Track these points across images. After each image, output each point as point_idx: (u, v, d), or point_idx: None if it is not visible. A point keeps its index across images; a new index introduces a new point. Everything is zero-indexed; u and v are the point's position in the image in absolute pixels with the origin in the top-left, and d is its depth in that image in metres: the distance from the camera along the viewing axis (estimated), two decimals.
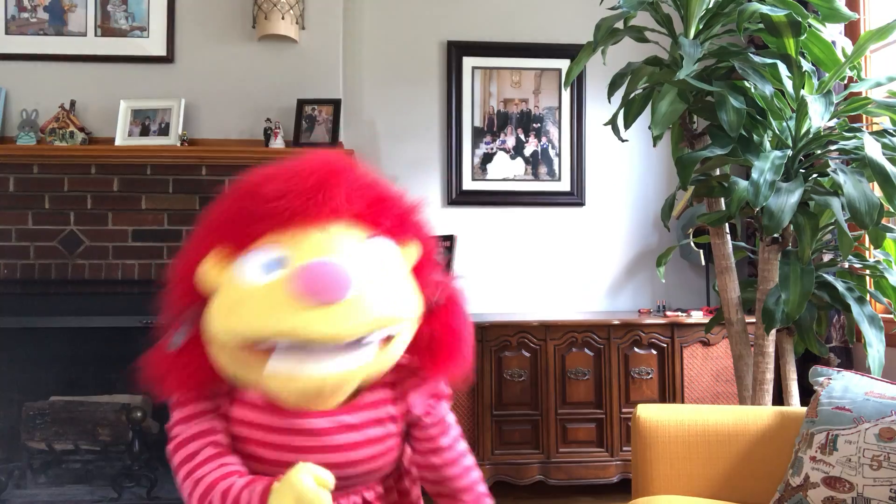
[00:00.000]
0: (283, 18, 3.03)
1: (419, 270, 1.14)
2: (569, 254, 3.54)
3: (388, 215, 1.11)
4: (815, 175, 2.02)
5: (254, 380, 1.01)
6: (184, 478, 1.07)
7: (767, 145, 2.10)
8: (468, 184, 3.50)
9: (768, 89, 1.94)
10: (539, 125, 3.55)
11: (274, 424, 1.11)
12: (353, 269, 0.98)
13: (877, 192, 1.80)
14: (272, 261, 0.99)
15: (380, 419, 1.16)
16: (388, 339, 1.04)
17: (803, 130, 2.00)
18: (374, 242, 1.07)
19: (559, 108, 3.55)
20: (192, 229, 1.15)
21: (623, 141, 2.39)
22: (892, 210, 1.79)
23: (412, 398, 1.18)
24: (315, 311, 0.92)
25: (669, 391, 3.02)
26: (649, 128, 2.05)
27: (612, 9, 2.10)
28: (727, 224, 2.22)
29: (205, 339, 1.04)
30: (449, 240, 3.21)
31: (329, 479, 0.96)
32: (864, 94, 2.33)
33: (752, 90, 2.02)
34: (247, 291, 0.98)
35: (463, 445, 1.24)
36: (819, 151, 2.04)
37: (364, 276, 0.99)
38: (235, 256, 1.04)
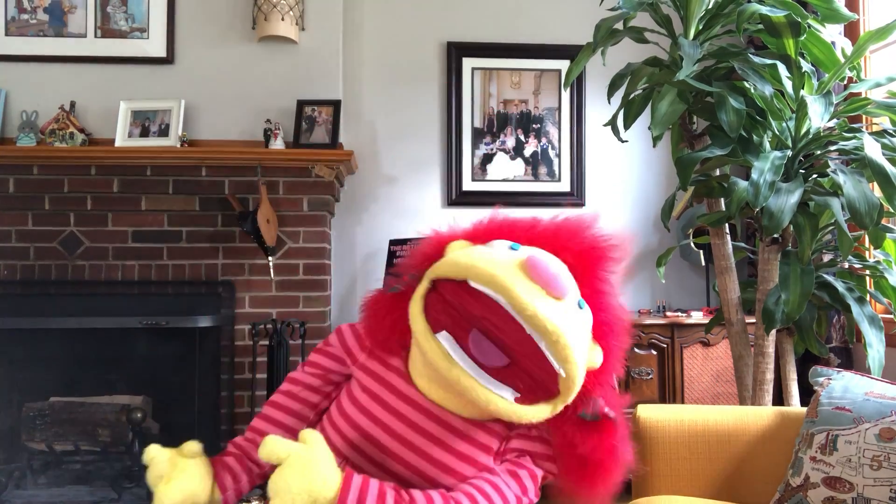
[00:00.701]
0: (282, 19, 3.03)
1: (593, 376, 1.15)
2: None
3: (599, 309, 1.17)
4: (815, 175, 2.02)
5: (420, 334, 1.09)
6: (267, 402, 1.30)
7: (767, 146, 2.10)
8: (468, 184, 3.50)
9: (768, 90, 1.94)
10: (539, 126, 3.55)
11: (399, 388, 1.18)
12: (572, 289, 1.11)
13: (877, 192, 1.80)
14: (513, 246, 1.14)
15: (489, 447, 1.16)
16: (532, 399, 1.08)
17: (803, 131, 2.00)
18: (585, 309, 1.13)
19: (559, 108, 3.55)
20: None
21: (623, 141, 2.39)
22: (891, 210, 1.79)
23: (512, 442, 1.18)
24: (537, 288, 1.05)
25: (669, 391, 3.02)
26: (649, 128, 2.05)
27: (612, 9, 2.10)
28: (727, 224, 2.22)
29: (413, 300, 1.14)
30: None
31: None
32: (863, 95, 2.34)
33: (752, 91, 2.02)
34: (489, 252, 1.11)
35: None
36: (819, 152, 2.04)
37: (572, 313, 1.09)
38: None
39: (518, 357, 1.06)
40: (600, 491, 1.15)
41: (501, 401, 1.06)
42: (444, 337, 1.06)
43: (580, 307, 1.11)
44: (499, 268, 1.05)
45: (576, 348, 1.06)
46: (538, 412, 1.08)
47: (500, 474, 1.15)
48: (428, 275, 1.14)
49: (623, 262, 1.23)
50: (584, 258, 1.18)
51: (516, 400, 1.07)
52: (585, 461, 1.14)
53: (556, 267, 1.08)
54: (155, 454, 1.14)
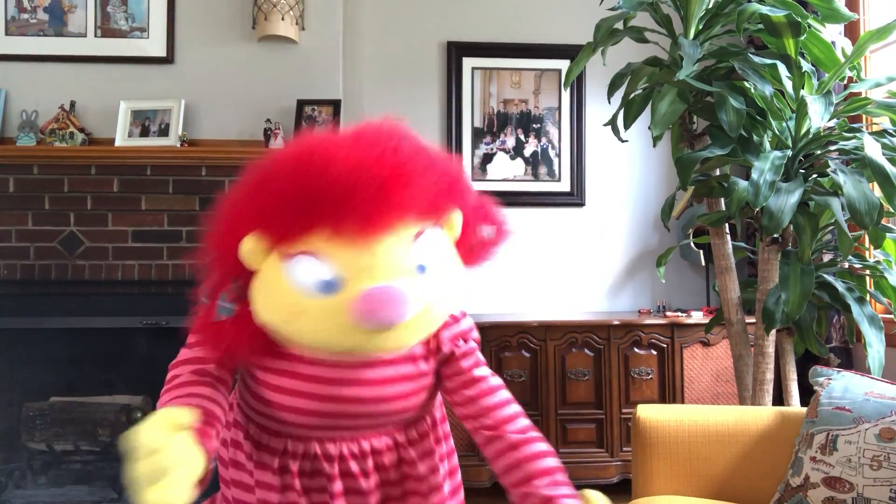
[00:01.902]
0: (282, 19, 3.03)
1: (466, 230, 1.11)
2: (569, 254, 3.54)
3: (435, 197, 1.03)
4: (815, 175, 2.02)
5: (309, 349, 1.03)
6: (160, 396, 1.07)
7: (767, 145, 2.10)
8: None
9: (768, 90, 1.94)
10: (539, 125, 3.55)
11: (286, 367, 1.10)
12: (408, 290, 0.96)
13: (877, 192, 1.80)
14: (327, 281, 0.96)
15: (412, 356, 1.14)
16: None
17: (803, 131, 2.00)
18: (422, 240, 1.02)
19: (559, 108, 3.55)
20: (232, 197, 1.08)
21: (623, 141, 2.39)
22: (892, 210, 1.79)
23: (442, 334, 1.16)
24: (375, 332, 0.95)
25: (669, 391, 3.02)
26: (649, 128, 2.05)
27: (612, 9, 2.10)
28: (727, 224, 2.22)
29: (247, 311, 1.04)
30: None
31: (182, 418, 0.88)
32: (863, 95, 2.33)
33: (752, 90, 2.02)
34: (306, 304, 0.97)
35: (498, 380, 1.20)
36: (819, 152, 2.04)
37: (419, 292, 0.99)
38: (279, 245, 0.99)
39: None
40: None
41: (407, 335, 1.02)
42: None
43: (422, 272, 1.00)
44: (338, 338, 0.97)
45: (445, 311, 1.06)
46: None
47: (483, 364, 1.19)
48: (267, 324, 1.02)
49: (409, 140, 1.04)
50: (400, 183, 0.97)
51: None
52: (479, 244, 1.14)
53: (384, 306, 0.93)
54: (152, 444, 0.83)
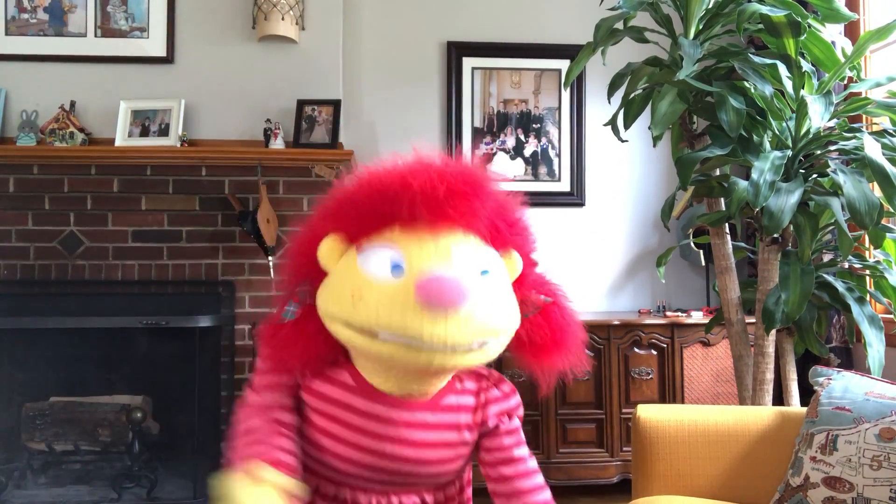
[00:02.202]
0: (282, 19, 3.03)
1: (520, 280, 1.19)
2: (569, 254, 3.54)
3: (499, 229, 1.16)
4: (815, 175, 2.02)
5: (366, 346, 1.06)
6: (237, 444, 1.12)
7: (767, 145, 2.10)
8: None
9: (768, 90, 1.94)
10: (539, 125, 3.55)
11: (355, 405, 1.14)
12: (470, 283, 1.04)
13: (877, 192, 1.80)
14: (396, 262, 1.06)
15: (457, 425, 1.18)
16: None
17: (803, 131, 2.00)
18: (485, 254, 1.12)
19: (559, 108, 3.55)
20: (316, 209, 1.19)
21: (623, 141, 2.39)
22: (892, 210, 1.79)
23: (489, 409, 1.20)
24: (433, 318, 1.00)
25: (669, 391, 3.02)
26: (649, 128, 2.05)
27: (612, 9, 2.10)
28: (727, 224, 2.22)
29: (317, 313, 1.10)
30: None
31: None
32: (863, 95, 2.33)
33: (752, 90, 2.02)
34: (372, 285, 1.04)
35: (535, 463, 1.23)
36: (819, 152, 2.04)
37: (477, 290, 1.05)
38: (352, 244, 1.11)
39: None
40: (566, 360, 1.20)
41: (472, 357, 1.07)
42: (386, 336, 1.03)
43: (484, 274, 1.09)
44: (398, 319, 1.01)
45: (498, 323, 1.08)
46: (501, 344, 1.12)
47: (524, 443, 1.22)
48: (329, 315, 1.09)
49: (494, 181, 1.17)
50: (472, 200, 1.11)
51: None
52: (544, 344, 1.18)
53: (444, 280, 1.02)
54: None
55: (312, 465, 1.17)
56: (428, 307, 1.00)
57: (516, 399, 1.25)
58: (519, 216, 1.22)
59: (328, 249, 1.11)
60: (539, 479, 1.21)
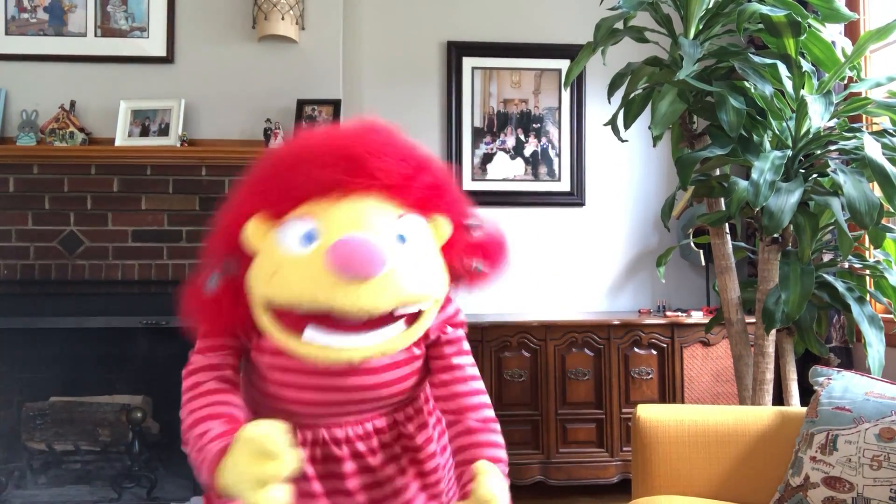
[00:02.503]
0: (282, 19, 3.03)
1: (451, 243, 1.19)
2: (569, 254, 3.54)
3: (420, 190, 1.14)
4: (815, 175, 2.02)
5: (287, 345, 1.06)
6: (183, 405, 1.14)
7: (767, 145, 2.10)
8: (468, 184, 3.50)
9: (768, 89, 1.94)
10: (539, 125, 3.55)
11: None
12: (386, 246, 1.03)
13: (877, 192, 1.80)
14: (308, 232, 1.05)
15: (400, 356, 1.21)
16: (416, 316, 1.10)
17: (803, 130, 2.00)
18: (406, 219, 1.11)
19: (559, 108, 3.55)
20: (237, 189, 1.19)
21: (623, 141, 2.39)
22: (892, 210, 1.79)
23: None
24: (348, 286, 0.98)
25: (669, 391, 3.02)
26: (649, 128, 2.05)
27: (612, 9, 2.10)
28: (727, 224, 2.22)
29: (243, 289, 1.11)
30: None
31: (281, 428, 0.96)
32: (863, 94, 2.33)
33: (752, 90, 2.02)
34: (285, 260, 1.04)
35: (475, 371, 1.28)
36: (819, 151, 2.04)
37: (395, 253, 1.04)
38: (275, 222, 1.10)
39: None
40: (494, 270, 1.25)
41: (397, 341, 1.08)
42: (310, 334, 1.03)
43: (402, 241, 1.08)
44: (309, 290, 1.00)
45: (420, 289, 1.07)
46: (427, 318, 1.13)
47: (466, 353, 1.28)
48: (256, 299, 1.08)
49: (397, 135, 1.17)
50: (383, 163, 1.10)
51: (405, 323, 1.09)
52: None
53: (358, 256, 0.99)
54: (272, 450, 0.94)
55: (282, 417, 1.14)
56: (339, 273, 0.97)
57: (453, 307, 1.29)
58: (444, 179, 1.20)
59: (253, 231, 1.10)
60: (476, 384, 1.26)
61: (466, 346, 1.30)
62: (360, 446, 1.22)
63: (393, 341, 1.08)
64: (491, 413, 1.25)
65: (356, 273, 0.98)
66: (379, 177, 1.08)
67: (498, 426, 1.24)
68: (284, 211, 1.09)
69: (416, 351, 1.24)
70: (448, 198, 1.20)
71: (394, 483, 1.25)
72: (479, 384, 1.27)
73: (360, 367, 1.15)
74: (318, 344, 1.03)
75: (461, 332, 1.29)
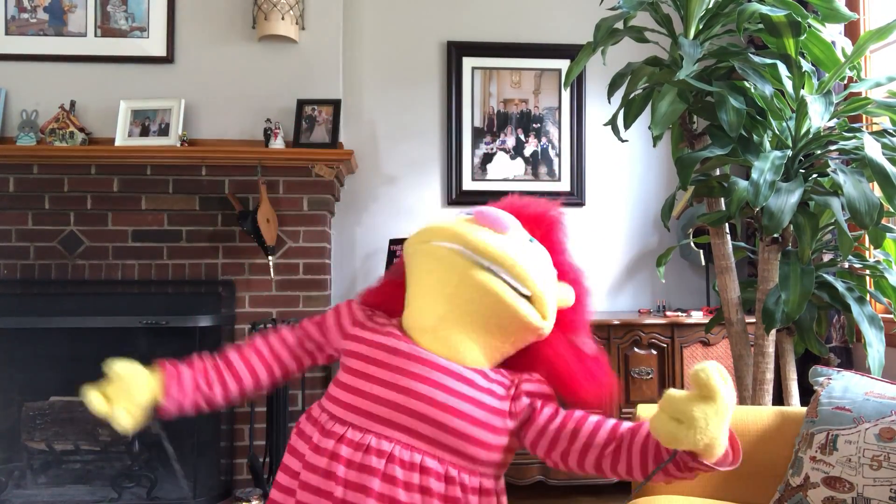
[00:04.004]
0: (282, 19, 3.03)
1: (571, 311, 1.30)
2: None
3: (560, 263, 1.32)
4: (815, 175, 2.02)
5: (438, 248, 1.22)
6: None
7: (767, 145, 2.10)
8: (468, 184, 3.50)
9: (768, 89, 1.94)
10: (539, 125, 3.55)
11: (393, 345, 1.22)
12: (521, 229, 1.27)
13: (877, 192, 1.80)
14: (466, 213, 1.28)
15: (491, 391, 1.19)
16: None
17: (803, 130, 2.00)
18: (536, 242, 1.29)
19: (559, 108, 3.55)
20: None
21: (623, 141, 2.39)
22: (892, 210, 1.79)
23: (522, 388, 1.23)
24: (485, 229, 1.21)
25: None
26: (649, 128, 2.04)
27: (612, 9, 2.10)
28: (727, 224, 2.22)
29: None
30: None
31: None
32: (863, 94, 2.33)
33: (752, 90, 2.02)
34: (447, 219, 1.28)
35: (580, 412, 1.22)
36: (819, 151, 2.04)
37: (521, 237, 1.25)
38: None
39: None
40: (595, 399, 1.25)
41: (524, 303, 1.19)
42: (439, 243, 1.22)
43: (531, 241, 1.26)
44: (452, 227, 1.23)
45: (530, 268, 1.20)
46: (529, 310, 1.20)
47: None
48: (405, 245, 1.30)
49: (566, 227, 1.39)
50: (538, 221, 1.34)
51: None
52: (579, 373, 1.26)
53: (498, 211, 1.26)
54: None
55: (341, 412, 1.19)
56: (483, 220, 1.23)
57: (549, 388, 1.26)
58: (580, 275, 1.35)
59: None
60: (594, 416, 1.20)
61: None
62: (398, 472, 1.13)
63: (529, 307, 1.19)
64: (612, 420, 1.19)
65: (492, 222, 1.22)
66: (536, 230, 1.32)
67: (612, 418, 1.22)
68: None
69: (500, 405, 1.18)
70: (577, 276, 1.34)
71: None
72: (581, 412, 1.22)
73: (435, 380, 1.16)
74: (458, 249, 1.19)
75: (555, 408, 1.24)
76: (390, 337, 1.23)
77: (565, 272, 1.31)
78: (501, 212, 1.26)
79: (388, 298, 1.35)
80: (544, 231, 1.33)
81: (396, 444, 1.14)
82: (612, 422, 1.18)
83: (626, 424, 1.18)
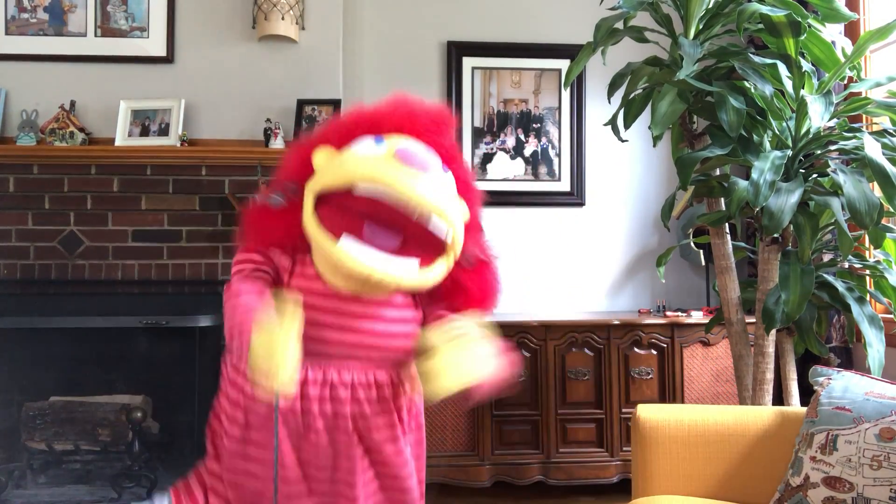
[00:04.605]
0: (282, 19, 3.03)
1: (465, 230, 1.38)
2: (569, 254, 3.54)
3: (456, 174, 1.39)
4: (815, 175, 2.02)
5: (324, 245, 1.27)
6: (227, 287, 1.34)
7: (767, 145, 2.10)
8: None
9: (768, 89, 1.94)
10: (539, 125, 3.55)
11: (334, 293, 1.35)
12: (438, 163, 1.32)
13: (877, 192, 1.80)
14: (377, 139, 1.31)
15: (413, 304, 1.45)
16: (430, 261, 1.32)
17: (803, 130, 2.00)
18: (449, 175, 1.36)
19: (559, 108, 3.55)
20: (312, 132, 1.48)
21: (623, 141, 2.39)
22: (892, 210, 1.79)
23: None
24: (409, 172, 1.25)
25: (669, 391, 3.02)
26: (649, 128, 2.05)
27: (612, 9, 2.10)
28: (727, 224, 2.22)
29: (299, 212, 1.33)
30: None
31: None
32: (863, 94, 2.33)
33: (752, 90, 2.02)
34: (353, 155, 1.30)
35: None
36: (819, 151, 2.04)
37: (443, 173, 1.32)
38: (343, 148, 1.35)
39: (410, 234, 1.29)
40: (481, 309, 1.48)
41: (408, 278, 1.29)
42: (345, 243, 1.25)
43: (445, 171, 1.34)
44: (378, 168, 1.25)
45: (453, 212, 1.30)
46: (438, 269, 1.34)
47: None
48: (311, 189, 1.31)
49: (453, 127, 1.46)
50: (433, 131, 1.39)
51: (420, 265, 1.30)
52: (468, 293, 1.45)
53: (419, 149, 1.30)
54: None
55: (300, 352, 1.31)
56: (406, 162, 1.25)
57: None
58: (472, 178, 1.47)
59: (321, 156, 1.35)
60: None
61: None
62: (362, 394, 1.38)
63: (411, 274, 1.29)
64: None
65: (418, 162, 1.26)
66: (432, 144, 1.35)
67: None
68: (350, 141, 1.35)
69: (415, 322, 1.42)
70: (472, 193, 1.44)
71: (382, 433, 1.41)
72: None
73: (376, 315, 1.36)
74: (350, 253, 1.24)
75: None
76: (321, 283, 1.35)
77: (461, 181, 1.41)
78: (422, 149, 1.31)
79: (286, 240, 1.38)
80: (442, 136, 1.39)
81: (354, 371, 1.38)
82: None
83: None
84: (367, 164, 1.26)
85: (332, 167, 1.29)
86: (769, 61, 1.94)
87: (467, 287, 1.44)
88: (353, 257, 1.24)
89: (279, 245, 1.38)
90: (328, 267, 1.34)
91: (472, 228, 1.41)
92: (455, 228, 1.31)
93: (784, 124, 2.04)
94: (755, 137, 2.07)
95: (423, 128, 1.35)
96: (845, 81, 2.41)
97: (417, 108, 1.40)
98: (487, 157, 3.52)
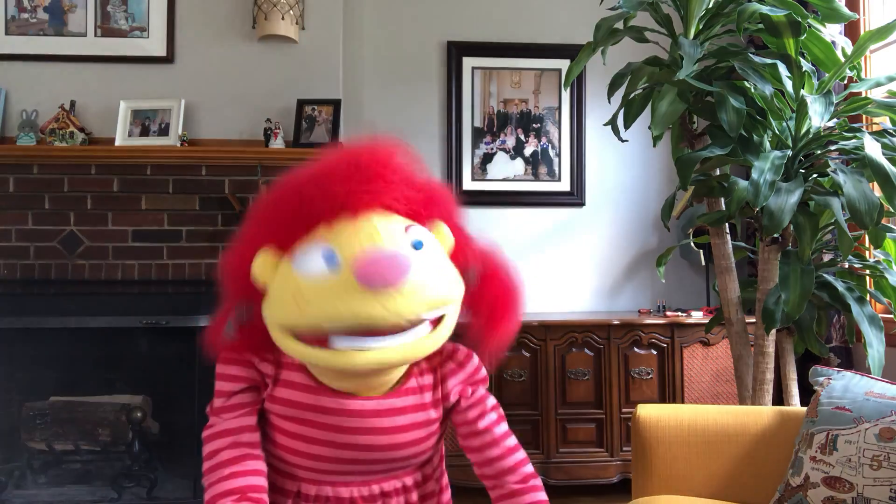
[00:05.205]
0: (282, 19, 3.03)
1: (457, 250, 1.19)
2: (569, 254, 3.54)
3: (419, 202, 1.15)
4: (815, 175, 2.02)
5: (317, 358, 1.05)
6: (203, 473, 1.14)
7: (767, 145, 2.10)
8: (468, 184, 3.50)
9: (768, 89, 1.94)
10: (539, 125, 3.55)
11: (322, 405, 1.14)
12: (406, 255, 1.03)
13: (877, 192, 1.80)
14: (325, 253, 1.04)
15: (423, 404, 1.19)
16: (439, 320, 1.10)
17: (803, 130, 2.00)
18: (414, 229, 1.11)
19: (559, 108, 3.55)
20: (241, 226, 1.22)
21: (623, 141, 2.39)
22: (892, 210, 1.79)
23: (448, 383, 1.21)
24: (375, 297, 0.99)
25: (669, 391, 3.02)
26: (649, 128, 2.05)
27: (612, 9, 2.10)
28: (727, 224, 2.22)
29: (260, 329, 1.11)
30: None
31: None
32: (864, 94, 2.33)
33: (752, 90, 2.02)
34: (305, 283, 1.03)
35: (504, 427, 1.25)
36: (819, 151, 2.04)
37: (415, 261, 1.04)
38: (284, 252, 1.10)
39: None
40: (512, 318, 1.21)
41: (427, 342, 1.08)
42: (339, 342, 1.03)
43: (417, 248, 1.08)
44: (341, 305, 1.00)
45: (444, 291, 1.08)
46: (452, 321, 1.12)
47: (490, 411, 1.24)
48: (273, 324, 1.08)
49: (408, 156, 1.18)
50: (381, 189, 1.11)
51: (431, 324, 1.08)
52: (491, 308, 1.19)
53: (380, 256, 1.00)
54: None
55: (290, 469, 1.18)
56: (371, 287, 0.98)
57: (473, 364, 1.24)
58: (435, 186, 1.22)
59: (262, 265, 1.10)
60: (509, 442, 1.23)
61: (491, 401, 1.26)
62: None
63: (423, 341, 1.07)
64: (530, 468, 1.23)
65: (385, 281, 0.98)
66: (377, 198, 1.09)
67: (539, 481, 1.23)
68: (291, 242, 1.09)
69: (433, 414, 1.20)
70: (442, 204, 1.21)
71: None
72: (512, 441, 1.24)
73: (374, 426, 1.14)
74: (351, 347, 1.02)
75: (482, 391, 1.25)
76: (308, 392, 1.15)
77: (434, 209, 1.19)
78: (383, 254, 1.01)
79: (262, 346, 1.15)
80: (392, 185, 1.11)
81: (353, 487, 1.19)
82: (519, 458, 1.23)
83: (526, 470, 1.22)
84: (327, 303, 1.01)
85: (285, 301, 1.05)
86: (769, 61, 1.94)
87: (483, 308, 1.21)
88: (357, 350, 1.02)
89: (256, 353, 1.17)
90: (326, 373, 1.14)
91: (462, 245, 1.20)
92: (452, 302, 1.11)
93: (784, 124, 2.04)
94: (755, 137, 2.07)
95: (368, 192, 1.08)
96: (845, 81, 2.42)
97: (357, 165, 1.10)
98: (487, 157, 3.52)
